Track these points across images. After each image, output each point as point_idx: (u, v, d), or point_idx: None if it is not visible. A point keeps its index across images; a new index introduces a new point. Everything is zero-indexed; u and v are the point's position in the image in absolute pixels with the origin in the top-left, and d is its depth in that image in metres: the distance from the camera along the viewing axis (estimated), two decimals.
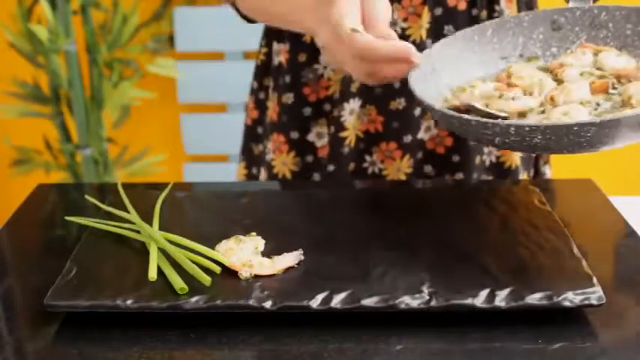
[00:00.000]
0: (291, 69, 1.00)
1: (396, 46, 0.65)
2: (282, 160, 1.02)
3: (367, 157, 0.99)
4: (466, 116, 0.64)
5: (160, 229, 0.73)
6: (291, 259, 0.68)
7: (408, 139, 0.97)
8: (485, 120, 0.63)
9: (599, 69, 0.72)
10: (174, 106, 2.15)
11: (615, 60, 0.73)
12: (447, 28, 0.95)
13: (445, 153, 0.98)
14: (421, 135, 0.98)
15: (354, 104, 0.97)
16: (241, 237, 0.70)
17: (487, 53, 0.78)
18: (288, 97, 1.00)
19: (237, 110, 2.12)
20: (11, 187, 2.04)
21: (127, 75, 2.01)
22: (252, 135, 1.10)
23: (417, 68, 0.68)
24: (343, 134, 0.98)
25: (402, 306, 0.61)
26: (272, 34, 1.03)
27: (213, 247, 0.69)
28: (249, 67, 2.05)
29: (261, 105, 1.08)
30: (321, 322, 0.62)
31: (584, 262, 0.67)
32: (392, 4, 0.71)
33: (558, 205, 0.81)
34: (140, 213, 0.76)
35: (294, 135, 1.01)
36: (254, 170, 1.11)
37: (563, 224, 0.74)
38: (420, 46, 0.93)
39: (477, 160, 0.99)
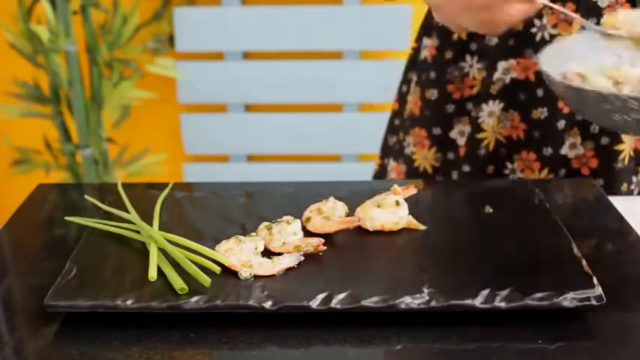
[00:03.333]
0: (436, 65, 0.98)
1: None
2: (424, 155, 1.01)
3: (508, 164, 0.96)
4: (585, 86, 0.62)
5: (160, 229, 0.73)
6: (290, 259, 0.68)
7: (548, 151, 0.94)
8: (602, 90, 0.61)
9: None
10: (174, 106, 2.15)
11: None
12: None
13: (590, 175, 0.94)
14: (565, 151, 0.94)
15: (493, 106, 0.94)
16: (241, 237, 0.70)
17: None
18: (432, 93, 0.99)
19: (237, 110, 2.13)
20: (11, 187, 2.03)
21: (127, 75, 2.01)
22: (390, 126, 1.10)
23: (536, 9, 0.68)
24: (480, 136, 0.96)
25: (402, 306, 0.61)
26: (425, 30, 1.01)
27: (213, 247, 0.69)
28: (250, 67, 2.09)
29: (402, 98, 1.07)
30: (321, 322, 0.62)
31: (584, 262, 0.67)
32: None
33: (558, 205, 0.81)
34: (140, 213, 0.76)
35: (437, 131, 1.00)
36: (385, 160, 1.10)
37: (563, 224, 0.74)
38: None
39: (624, 187, 0.94)
